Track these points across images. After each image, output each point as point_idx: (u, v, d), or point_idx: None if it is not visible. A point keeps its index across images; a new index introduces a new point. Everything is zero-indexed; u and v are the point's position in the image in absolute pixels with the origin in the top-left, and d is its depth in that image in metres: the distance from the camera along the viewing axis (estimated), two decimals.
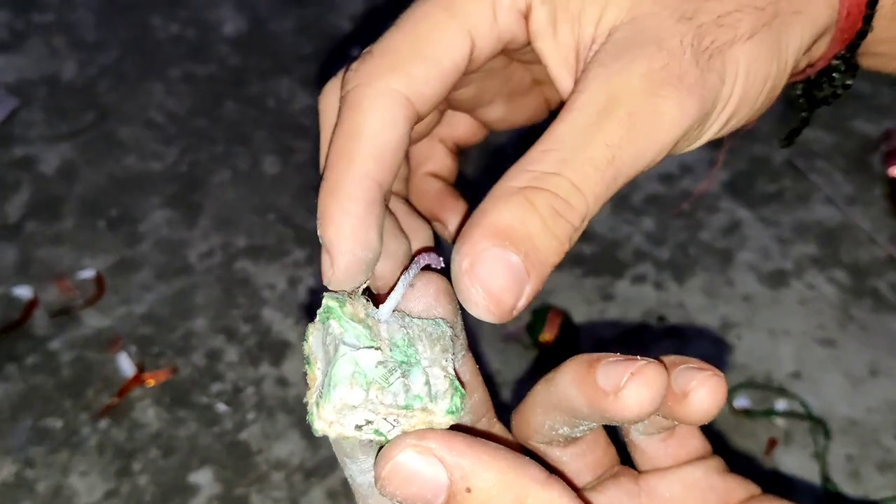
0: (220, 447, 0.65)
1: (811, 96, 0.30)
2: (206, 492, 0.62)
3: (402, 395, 0.24)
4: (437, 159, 0.31)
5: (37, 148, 0.89)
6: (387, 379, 0.24)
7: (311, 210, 0.84)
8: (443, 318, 0.27)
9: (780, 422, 0.67)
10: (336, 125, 0.25)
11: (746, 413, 0.67)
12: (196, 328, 0.73)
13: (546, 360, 0.71)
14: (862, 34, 0.27)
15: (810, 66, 0.29)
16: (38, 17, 1.07)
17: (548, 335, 0.69)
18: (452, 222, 0.32)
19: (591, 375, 0.25)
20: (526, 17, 0.25)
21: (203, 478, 0.63)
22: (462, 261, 0.23)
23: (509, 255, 0.23)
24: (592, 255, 0.79)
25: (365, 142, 0.24)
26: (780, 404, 0.68)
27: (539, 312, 0.70)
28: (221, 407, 0.67)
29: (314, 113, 0.83)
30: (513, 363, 0.70)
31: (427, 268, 0.27)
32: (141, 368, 0.69)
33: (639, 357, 0.25)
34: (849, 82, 0.29)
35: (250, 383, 0.69)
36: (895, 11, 0.27)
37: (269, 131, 0.92)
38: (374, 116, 0.24)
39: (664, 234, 0.82)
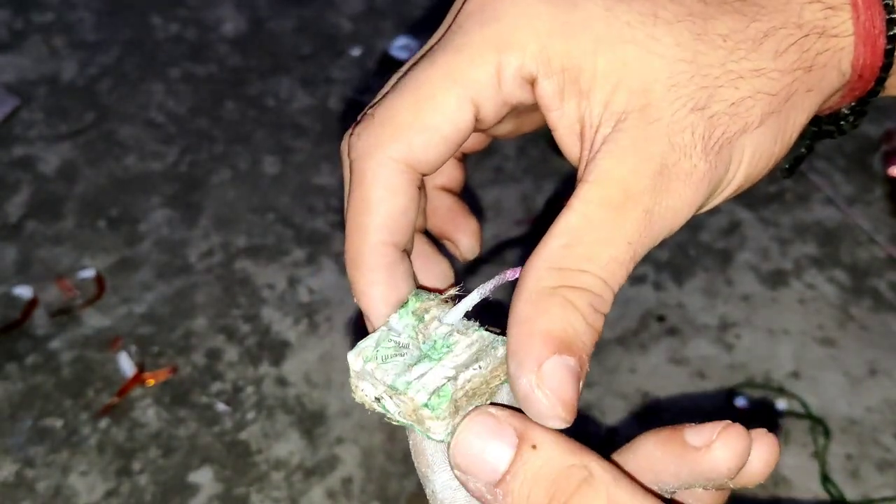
0: (219, 447, 0.65)
1: (818, 132, 0.31)
2: (206, 491, 0.62)
3: (391, 376, 0.26)
4: (445, 171, 0.31)
5: (37, 148, 0.89)
6: (385, 358, 0.26)
7: (311, 210, 0.85)
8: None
9: (779, 421, 0.67)
10: (348, 196, 0.27)
11: (746, 413, 0.67)
12: (196, 328, 0.73)
13: None
14: (874, 93, 0.28)
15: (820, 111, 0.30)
16: (38, 16, 1.07)
17: None
18: (463, 242, 0.32)
19: (678, 436, 0.26)
20: (532, 84, 0.25)
21: (203, 477, 0.63)
22: (528, 375, 0.24)
23: (568, 361, 0.24)
24: None
25: (374, 213, 0.26)
26: (780, 404, 0.68)
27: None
28: (221, 406, 0.67)
29: (314, 113, 0.83)
30: None
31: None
32: (141, 368, 0.69)
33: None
34: (857, 123, 0.30)
35: (250, 383, 0.69)
36: None
37: (269, 131, 0.92)
38: (380, 188, 0.25)
39: None
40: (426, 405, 0.26)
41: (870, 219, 0.83)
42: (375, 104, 0.26)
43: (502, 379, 0.27)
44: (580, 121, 0.25)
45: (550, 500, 0.24)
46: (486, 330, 0.28)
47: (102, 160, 0.88)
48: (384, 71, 1.01)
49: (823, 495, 0.63)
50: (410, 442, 0.27)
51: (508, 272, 0.27)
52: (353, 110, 0.95)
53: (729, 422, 0.26)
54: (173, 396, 0.68)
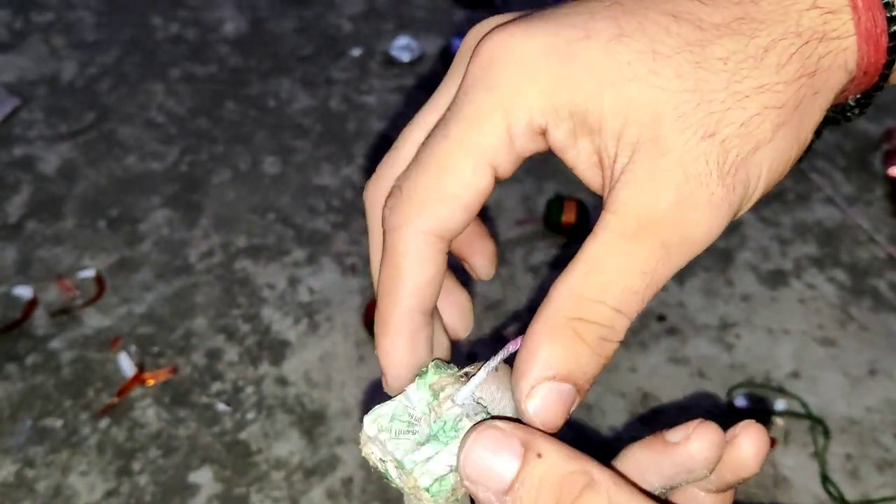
0: (219, 447, 0.65)
1: (824, 119, 0.31)
2: (206, 491, 0.62)
3: (400, 452, 0.29)
4: None
5: (37, 148, 0.89)
6: (398, 433, 0.29)
7: (311, 210, 0.85)
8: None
9: (779, 421, 0.67)
10: (381, 265, 0.29)
11: (746, 413, 0.67)
12: (196, 328, 0.73)
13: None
14: (878, 88, 0.28)
15: None
16: (37, 16, 1.07)
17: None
18: (479, 264, 0.34)
19: (659, 438, 0.28)
20: (543, 135, 0.26)
21: (203, 477, 0.63)
22: (520, 391, 0.27)
23: (560, 386, 0.26)
24: None
25: (405, 282, 0.28)
26: (780, 404, 0.68)
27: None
28: (221, 406, 0.67)
29: (314, 113, 0.83)
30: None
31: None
32: (141, 368, 0.69)
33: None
34: (863, 112, 0.30)
35: (250, 383, 0.69)
36: None
37: (269, 131, 0.92)
38: (410, 258, 0.28)
39: None
40: (427, 489, 0.28)
41: (870, 219, 0.83)
42: (402, 177, 0.28)
43: None
44: (597, 153, 0.26)
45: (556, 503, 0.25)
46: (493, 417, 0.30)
47: (102, 160, 0.88)
48: (384, 71, 1.01)
49: (823, 495, 0.63)
50: (405, 500, 0.30)
51: (511, 345, 0.29)
52: (354, 111, 0.95)
53: (703, 419, 0.28)
54: (173, 396, 0.68)
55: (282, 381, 0.69)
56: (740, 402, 0.68)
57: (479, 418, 0.29)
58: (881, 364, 0.71)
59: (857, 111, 0.29)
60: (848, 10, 0.26)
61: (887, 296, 0.76)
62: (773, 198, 0.86)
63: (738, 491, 0.63)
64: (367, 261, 0.79)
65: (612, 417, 0.67)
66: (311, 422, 0.66)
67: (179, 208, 0.83)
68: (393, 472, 0.29)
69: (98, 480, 0.62)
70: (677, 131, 0.25)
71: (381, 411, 0.30)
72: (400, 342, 0.30)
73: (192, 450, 0.64)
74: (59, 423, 0.66)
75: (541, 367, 0.26)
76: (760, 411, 0.68)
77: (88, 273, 0.76)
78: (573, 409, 0.27)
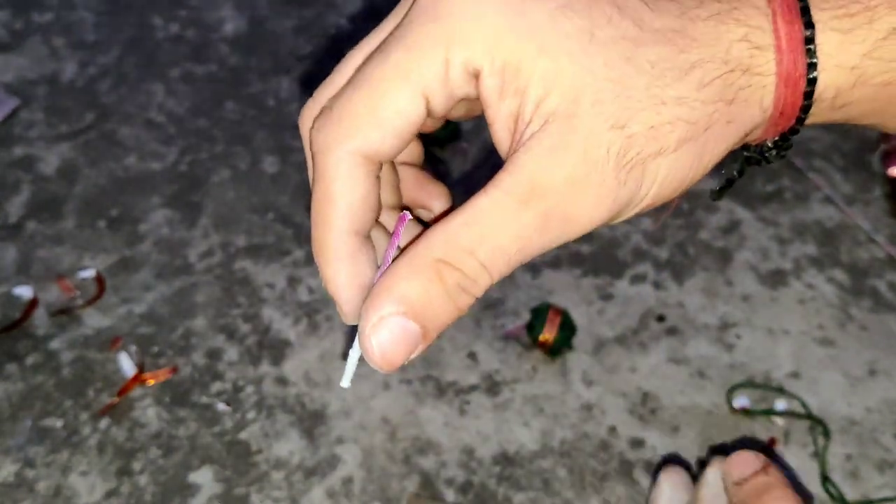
0: (220, 447, 0.65)
1: (748, 157, 0.33)
2: (206, 491, 0.62)
3: None
4: (405, 150, 0.32)
5: (37, 148, 0.89)
6: None
7: (310, 210, 0.85)
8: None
9: (779, 421, 0.67)
10: (312, 189, 0.29)
11: (745, 413, 0.67)
12: (196, 327, 0.73)
13: (546, 359, 0.71)
14: (794, 131, 0.29)
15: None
16: (37, 16, 1.07)
17: (547, 334, 0.69)
18: (437, 206, 0.34)
19: None
20: (476, 79, 0.27)
21: (203, 477, 0.63)
22: (367, 320, 0.27)
23: (408, 323, 0.26)
24: (591, 254, 0.80)
25: (336, 204, 0.28)
26: (780, 404, 0.68)
27: (538, 311, 0.70)
28: (221, 406, 0.67)
29: None
30: (512, 363, 0.70)
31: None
32: (141, 368, 0.69)
33: None
34: (783, 155, 0.31)
35: (250, 382, 0.69)
36: (835, 104, 0.28)
37: (269, 131, 0.92)
38: (340, 181, 0.28)
39: (663, 233, 0.82)
40: None
41: (869, 218, 0.83)
42: (334, 97, 0.29)
43: None
44: (514, 117, 0.27)
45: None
46: None
47: (102, 160, 0.88)
48: None
49: (823, 495, 0.63)
50: None
51: (399, 222, 0.30)
52: None
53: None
54: (173, 396, 0.68)
55: (282, 381, 0.69)
56: (740, 402, 0.68)
57: None
58: (881, 364, 0.71)
59: (774, 152, 0.30)
60: (772, 50, 0.26)
61: (887, 296, 0.76)
62: (772, 197, 0.86)
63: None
64: None
65: (612, 417, 0.67)
66: (312, 421, 0.66)
67: (179, 208, 0.83)
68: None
69: (98, 480, 0.62)
70: (591, 114, 0.25)
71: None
72: (341, 265, 0.29)
73: (193, 450, 0.65)
74: (59, 423, 0.66)
75: (394, 298, 0.26)
76: (763, 412, 0.68)
77: (88, 273, 0.76)
78: (415, 355, 0.27)
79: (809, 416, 0.67)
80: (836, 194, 0.86)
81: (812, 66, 0.26)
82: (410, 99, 0.27)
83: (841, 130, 0.95)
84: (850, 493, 0.63)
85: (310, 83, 0.99)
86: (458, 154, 0.91)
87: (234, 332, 0.73)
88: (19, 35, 1.04)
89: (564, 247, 0.81)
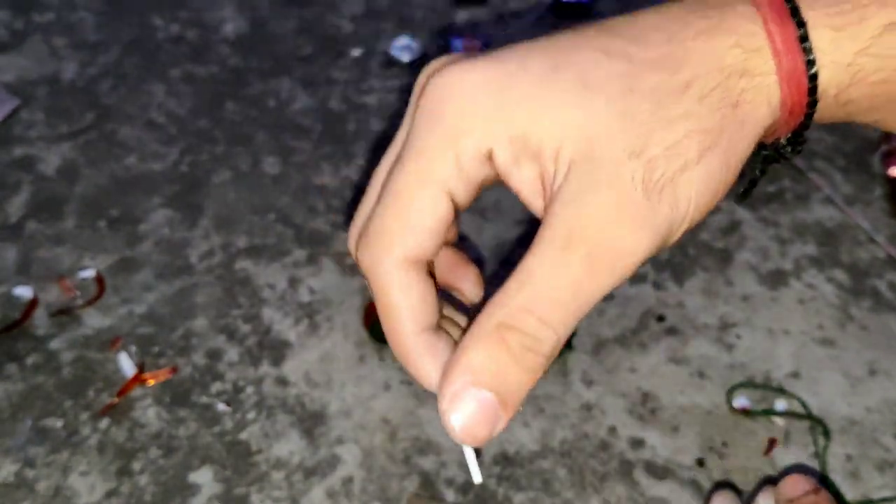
0: (220, 447, 0.65)
1: (767, 156, 0.33)
2: (206, 491, 0.62)
3: None
4: None
5: (37, 148, 0.89)
6: None
7: (312, 210, 0.85)
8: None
9: (779, 421, 0.67)
10: (375, 304, 0.31)
11: (746, 413, 0.67)
12: (196, 328, 0.73)
13: None
14: (805, 126, 0.29)
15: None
16: (38, 16, 1.07)
17: None
18: (467, 289, 0.35)
19: None
20: (490, 158, 0.28)
21: (203, 477, 0.63)
22: (443, 399, 0.27)
23: (482, 393, 0.26)
24: None
25: (399, 311, 0.30)
26: (780, 404, 0.68)
27: None
28: (221, 406, 0.67)
29: (314, 113, 0.83)
30: None
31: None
32: (141, 368, 0.69)
33: None
34: (799, 150, 0.32)
35: (250, 383, 0.69)
36: (839, 101, 0.29)
37: (270, 132, 0.92)
38: (394, 289, 0.29)
39: None
40: None
41: (869, 219, 0.83)
42: (369, 218, 0.30)
43: None
44: (539, 175, 0.28)
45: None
46: None
47: (103, 160, 0.88)
48: (384, 71, 1.01)
49: None
50: None
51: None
52: (354, 111, 0.95)
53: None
54: (173, 396, 0.68)
55: (282, 382, 0.69)
56: (740, 402, 0.68)
57: None
58: (881, 364, 0.71)
59: (789, 149, 0.30)
60: (768, 51, 0.27)
61: (887, 296, 0.76)
62: (773, 197, 0.86)
63: (738, 491, 0.63)
64: None
65: (612, 417, 0.67)
66: (312, 422, 0.66)
67: (180, 208, 0.83)
68: None
69: (98, 480, 0.62)
70: (607, 150, 0.26)
71: None
72: (423, 361, 0.30)
73: (193, 450, 0.65)
74: (59, 423, 0.66)
75: (462, 369, 0.27)
76: (763, 412, 0.68)
77: (89, 273, 0.76)
78: (499, 427, 0.28)
79: (809, 416, 0.67)
80: (837, 195, 0.86)
81: (811, 63, 0.27)
82: (434, 201, 0.28)
83: (842, 131, 0.95)
84: (850, 493, 0.63)
85: (310, 83, 0.99)
86: None
87: (235, 333, 0.73)
88: (20, 35, 1.04)
89: None
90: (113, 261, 0.78)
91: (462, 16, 1.11)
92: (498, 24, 1.10)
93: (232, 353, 0.71)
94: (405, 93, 0.98)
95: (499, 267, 0.79)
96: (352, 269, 0.78)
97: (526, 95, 0.27)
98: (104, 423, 0.66)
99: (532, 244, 0.27)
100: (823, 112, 0.29)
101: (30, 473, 0.63)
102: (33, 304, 0.74)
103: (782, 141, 0.31)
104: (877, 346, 0.72)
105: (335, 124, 0.94)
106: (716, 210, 0.84)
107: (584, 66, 0.27)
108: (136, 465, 0.63)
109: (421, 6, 1.12)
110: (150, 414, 0.67)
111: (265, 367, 0.70)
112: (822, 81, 0.27)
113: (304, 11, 1.10)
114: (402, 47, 1.03)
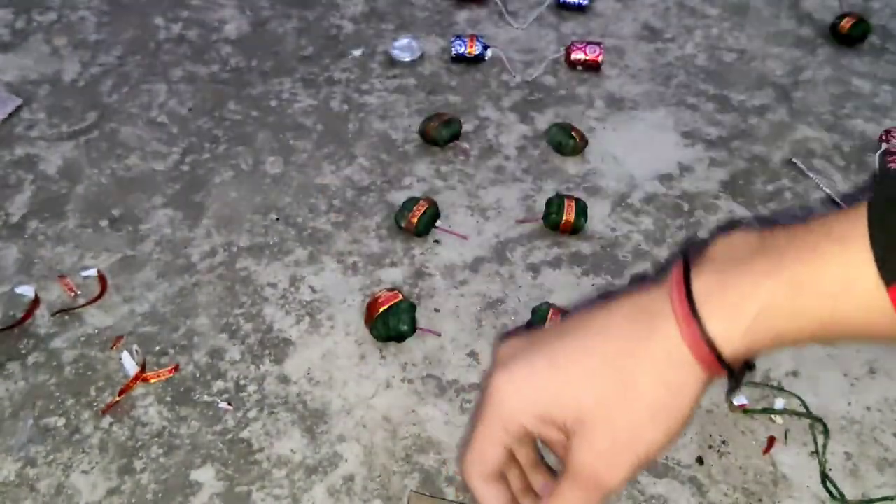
0: (221, 445, 0.65)
1: (730, 383, 0.41)
2: (208, 489, 0.62)
3: None
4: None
5: (39, 147, 0.90)
6: None
7: (312, 209, 0.85)
8: None
9: (778, 420, 0.67)
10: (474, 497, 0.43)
11: (745, 411, 0.67)
12: (198, 327, 0.73)
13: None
14: (730, 371, 0.37)
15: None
16: (39, 16, 1.07)
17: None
18: (536, 484, 0.44)
19: None
20: (525, 427, 0.39)
21: (205, 475, 0.63)
22: None
23: None
24: (592, 254, 0.80)
25: (488, 501, 0.42)
26: (780, 403, 0.68)
27: (539, 311, 0.71)
28: (223, 405, 0.67)
29: (316, 113, 0.83)
30: None
31: None
32: (143, 367, 0.69)
33: None
34: (752, 367, 0.40)
35: (252, 381, 0.69)
36: (751, 352, 0.36)
37: (271, 131, 0.93)
38: (487, 490, 0.41)
39: (663, 233, 0.82)
40: None
41: None
42: (463, 452, 0.41)
43: None
44: (565, 435, 0.39)
45: None
46: None
47: (104, 160, 0.89)
48: (385, 71, 1.01)
49: (823, 494, 0.63)
50: None
51: None
52: (355, 110, 0.96)
53: None
54: (175, 395, 0.68)
55: (283, 380, 0.69)
56: (740, 400, 0.68)
57: None
58: (881, 364, 0.71)
59: (733, 382, 0.39)
60: (687, 348, 0.36)
61: None
62: (772, 196, 0.86)
63: (738, 489, 0.64)
64: (367, 260, 0.80)
65: None
66: (313, 420, 0.67)
67: (181, 208, 0.83)
68: None
69: (100, 479, 0.63)
70: (599, 412, 0.38)
71: None
72: None
73: (194, 448, 0.65)
74: (61, 421, 0.66)
75: None
76: (763, 412, 0.68)
77: (90, 272, 0.77)
78: None
79: (809, 414, 0.67)
80: (836, 193, 0.86)
81: (712, 346, 0.36)
82: (494, 450, 0.40)
83: (841, 131, 0.95)
84: (849, 491, 0.63)
85: (311, 83, 0.99)
86: (459, 154, 0.91)
87: (236, 331, 0.73)
88: (21, 35, 1.04)
89: (565, 246, 0.81)
90: (114, 260, 0.78)
91: (462, 16, 1.11)
92: (498, 24, 1.10)
93: (233, 352, 0.71)
94: (405, 93, 0.98)
95: (499, 265, 0.79)
96: (353, 267, 0.78)
97: (539, 388, 0.39)
98: (106, 421, 0.66)
99: (559, 474, 0.39)
100: (759, 352, 0.37)
101: (31, 472, 0.63)
102: (35, 303, 0.74)
103: (727, 378, 0.39)
104: (876, 346, 0.72)
105: (336, 124, 0.94)
106: (715, 209, 0.85)
107: (575, 365, 0.38)
108: (138, 464, 0.64)
109: (421, 7, 1.12)
110: (151, 412, 0.67)
111: (266, 366, 0.70)
112: (727, 355, 0.36)
113: (306, 12, 1.10)
114: (403, 47, 1.03)
